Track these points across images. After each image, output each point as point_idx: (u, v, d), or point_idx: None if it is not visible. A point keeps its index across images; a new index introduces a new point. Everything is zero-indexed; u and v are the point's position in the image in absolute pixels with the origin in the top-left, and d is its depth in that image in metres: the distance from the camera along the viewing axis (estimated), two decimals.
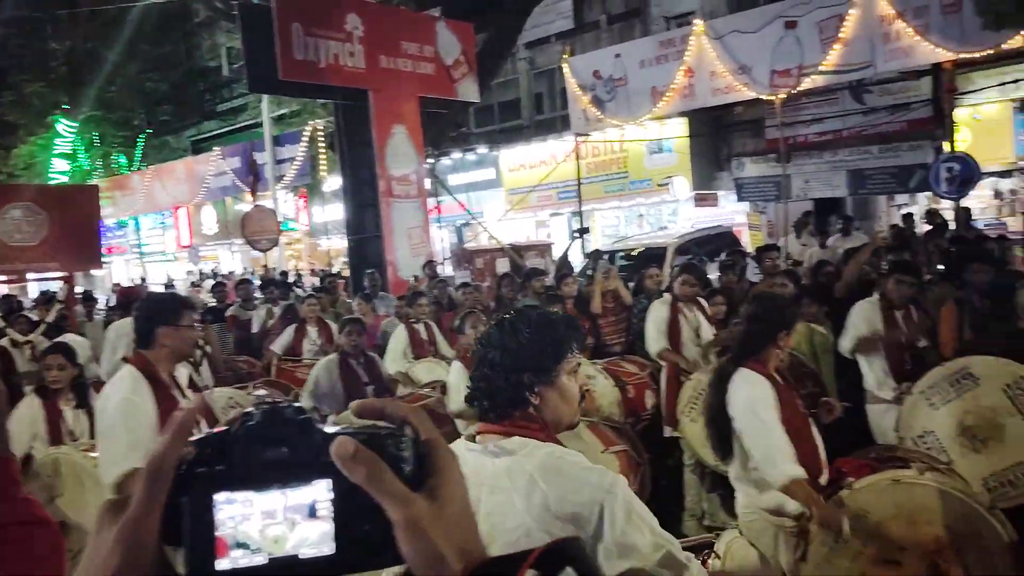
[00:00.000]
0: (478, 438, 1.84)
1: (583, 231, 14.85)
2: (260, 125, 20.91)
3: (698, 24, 15.26)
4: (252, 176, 17.03)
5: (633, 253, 13.20)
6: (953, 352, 5.15)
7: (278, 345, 7.72)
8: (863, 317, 5.10)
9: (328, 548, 0.61)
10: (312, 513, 0.61)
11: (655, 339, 5.96)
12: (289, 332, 7.81)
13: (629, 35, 18.84)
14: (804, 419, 3.25)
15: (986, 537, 2.91)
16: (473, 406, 1.89)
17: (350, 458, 0.60)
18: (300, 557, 0.60)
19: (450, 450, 0.66)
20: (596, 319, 7.27)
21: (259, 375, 7.49)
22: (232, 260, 27.07)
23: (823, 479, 3.22)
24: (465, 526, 0.64)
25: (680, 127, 17.25)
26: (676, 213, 18.47)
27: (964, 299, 5.33)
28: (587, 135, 18.04)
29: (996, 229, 13.50)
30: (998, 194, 19.55)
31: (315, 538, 0.61)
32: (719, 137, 17.94)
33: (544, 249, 15.86)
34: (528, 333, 1.83)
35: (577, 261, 13.72)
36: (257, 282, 13.17)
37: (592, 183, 18.45)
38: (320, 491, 0.61)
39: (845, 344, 5.28)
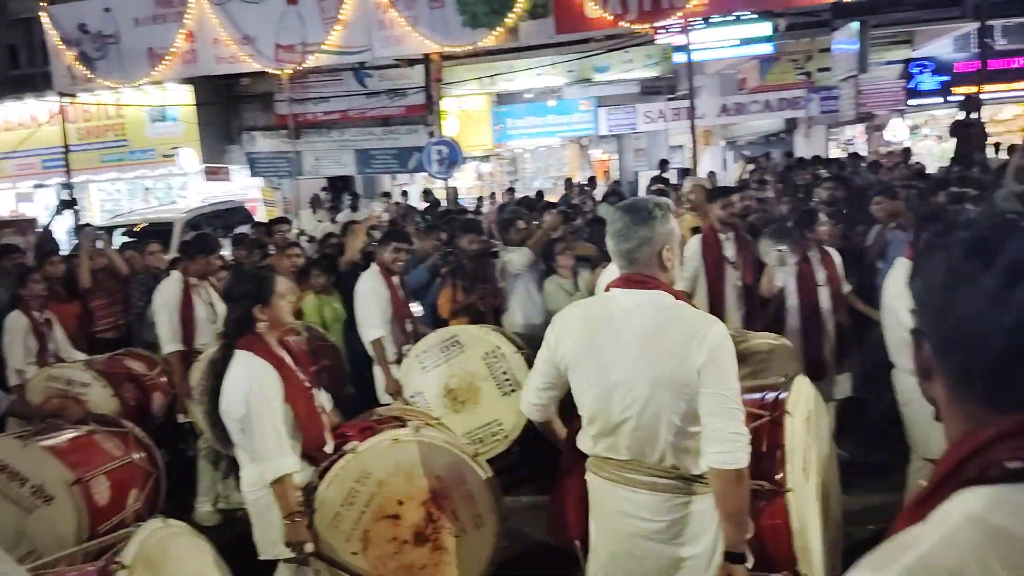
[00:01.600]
0: None
1: (69, 203, 13.07)
2: None
3: None
4: None
5: (136, 229, 12.07)
6: (449, 315, 5.75)
7: None
8: (370, 287, 5.27)
9: None
10: None
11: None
12: None
13: None
14: (308, 394, 3.28)
15: (469, 481, 3.28)
16: None
17: None
18: None
19: None
20: (87, 302, 6.48)
21: None
22: None
23: (328, 448, 3.30)
24: None
25: (185, 95, 16.25)
26: (187, 187, 17.42)
27: (456, 267, 5.95)
28: (74, 95, 15.95)
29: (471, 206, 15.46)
30: (480, 176, 22.43)
31: None
32: (229, 109, 17.33)
33: (26, 225, 13.63)
34: None
35: (66, 238, 12.09)
36: None
37: (85, 151, 16.45)
38: None
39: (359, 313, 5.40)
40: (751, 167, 10.89)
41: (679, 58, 13.24)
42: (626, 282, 2.43)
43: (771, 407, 2.78)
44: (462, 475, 3.28)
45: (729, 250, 5.44)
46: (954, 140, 11.12)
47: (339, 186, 16.30)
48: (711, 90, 19.42)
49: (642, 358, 2.32)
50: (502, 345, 4.80)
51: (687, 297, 2.48)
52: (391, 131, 15.65)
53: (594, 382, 2.42)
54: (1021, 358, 0.91)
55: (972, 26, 13.11)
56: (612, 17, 12.62)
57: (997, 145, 12.27)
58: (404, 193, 14.35)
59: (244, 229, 9.54)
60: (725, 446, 2.26)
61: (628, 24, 12.43)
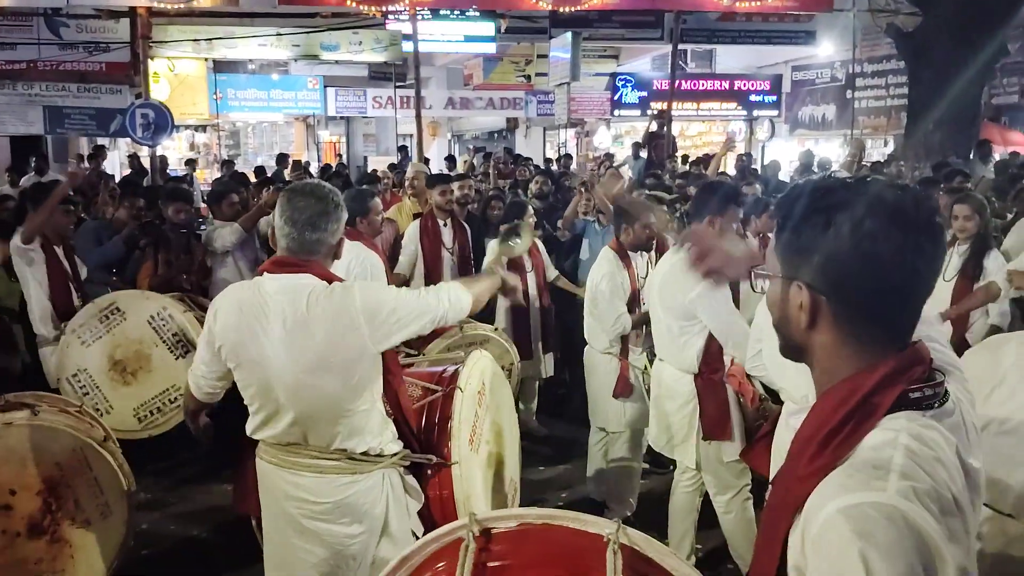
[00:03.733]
0: None
1: None
2: None
3: None
4: None
5: None
6: (149, 290, 5.28)
7: None
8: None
9: None
10: None
11: None
12: None
13: None
14: None
15: (95, 468, 3.08)
16: None
17: None
18: None
19: None
20: None
21: None
22: None
23: None
24: None
25: None
26: None
27: (159, 238, 5.50)
28: None
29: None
30: (193, 146, 20.91)
31: None
32: None
33: None
34: None
35: None
36: None
37: None
38: None
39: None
40: (476, 158, 11.29)
41: (407, 47, 13.34)
42: (277, 266, 2.35)
43: (446, 381, 2.85)
44: (86, 462, 3.07)
45: (447, 236, 5.59)
46: (646, 149, 12.38)
47: (25, 146, 14.34)
48: (439, 82, 19.87)
49: (294, 343, 2.28)
50: (168, 305, 4.45)
51: (337, 277, 2.42)
52: (89, 89, 14.03)
53: (252, 369, 2.35)
54: (909, 297, 1.09)
55: (668, 48, 14.66)
56: None
57: (685, 157, 13.90)
58: (90, 156, 12.92)
59: None
60: (455, 314, 2.47)
61: (355, 3, 12.27)
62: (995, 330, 4.43)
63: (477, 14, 14.32)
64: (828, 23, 16.17)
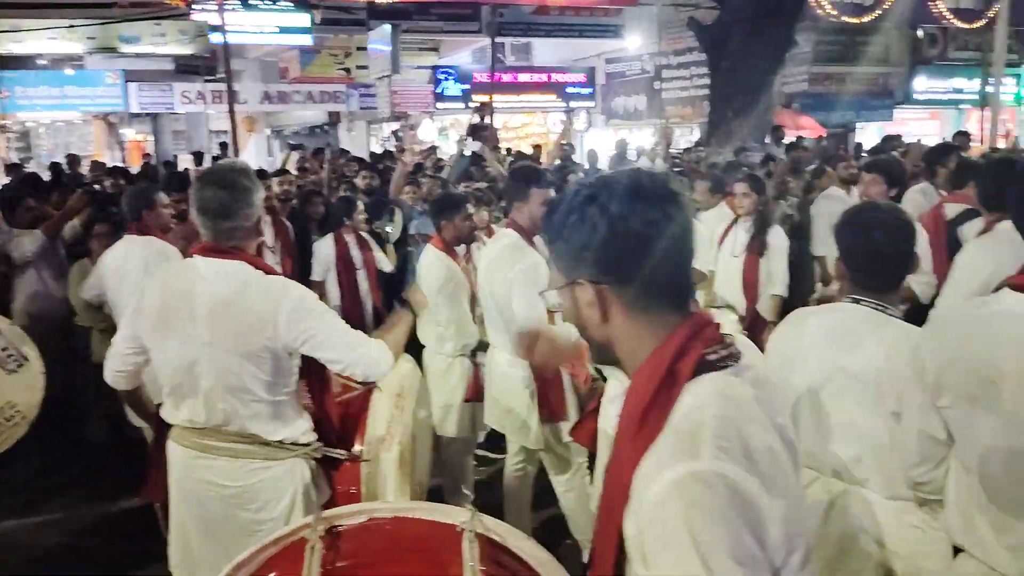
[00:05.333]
0: None
1: None
2: None
3: None
4: None
5: None
6: None
7: None
8: None
9: None
10: None
11: None
12: None
13: None
14: None
15: None
16: None
17: None
18: None
19: None
20: None
21: None
22: None
23: None
24: None
25: None
26: None
27: None
28: None
29: None
30: None
31: None
32: None
33: None
34: None
35: None
36: None
37: None
38: None
39: None
40: (298, 154, 10.89)
41: (216, 38, 12.67)
42: (209, 251, 2.38)
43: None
44: None
45: (267, 234, 5.36)
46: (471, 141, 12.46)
47: None
48: (253, 75, 19.04)
49: (217, 327, 2.31)
50: None
51: (271, 268, 2.48)
52: None
53: (171, 351, 2.37)
54: (675, 261, 1.18)
55: (486, 41, 14.83)
56: None
57: (509, 150, 14.11)
58: None
59: None
60: (371, 370, 2.39)
61: None
62: (781, 301, 4.73)
63: (291, 4, 13.84)
64: (635, 17, 17.00)
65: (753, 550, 1.01)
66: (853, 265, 2.24)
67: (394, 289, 5.64)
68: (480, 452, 4.71)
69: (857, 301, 2.20)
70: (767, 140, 10.56)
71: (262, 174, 6.06)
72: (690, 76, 17.03)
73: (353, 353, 2.36)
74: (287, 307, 2.29)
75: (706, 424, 1.07)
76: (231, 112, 11.73)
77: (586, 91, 19.71)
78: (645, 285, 1.18)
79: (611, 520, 1.14)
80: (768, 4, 10.50)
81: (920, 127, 17.96)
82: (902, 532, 2.14)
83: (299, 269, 5.37)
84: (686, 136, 15.97)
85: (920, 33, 18.30)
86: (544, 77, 19.15)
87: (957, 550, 1.89)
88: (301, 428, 2.46)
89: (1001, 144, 12.14)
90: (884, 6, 15.78)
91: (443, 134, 20.01)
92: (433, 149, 13.29)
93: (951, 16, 16.91)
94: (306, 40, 15.12)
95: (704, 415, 1.09)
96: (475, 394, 4.12)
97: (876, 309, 2.17)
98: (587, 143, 17.49)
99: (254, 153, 18.11)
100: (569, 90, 19.42)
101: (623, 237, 1.15)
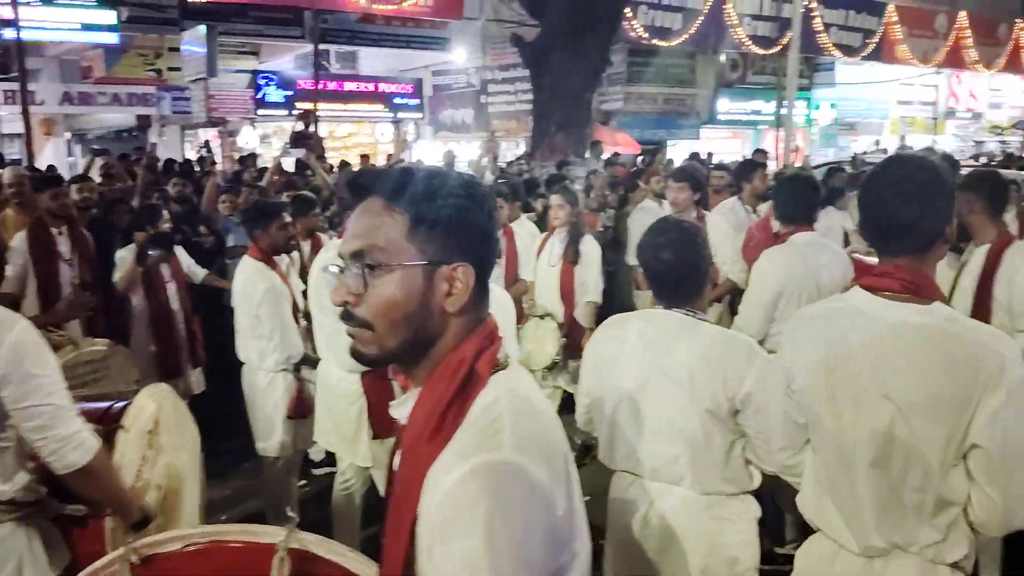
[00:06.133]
0: None
1: None
2: None
3: None
4: None
5: None
6: None
7: None
8: None
9: None
10: None
11: None
12: None
13: None
14: None
15: None
16: None
17: None
18: None
19: None
20: None
21: None
22: None
23: None
24: None
25: None
26: None
27: None
28: None
29: None
30: None
31: None
32: None
33: None
34: None
35: None
36: None
37: None
38: None
39: None
40: (101, 160, 10.07)
41: (9, 34, 11.56)
42: None
43: (109, 420, 2.48)
44: None
45: (63, 246, 4.93)
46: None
47: None
48: (51, 75, 17.52)
49: None
50: None
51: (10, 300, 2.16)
52: None
53: None
54: (493, 256, 1.23)
55: (309, 47, 14.47)
56: None
57: (343, 162, 13.78)
58: None
59: None
60: (56, 456, 2.03)
61: None
62: (596, 308, 4.90)
63: (94, 1, 12.89)
64: (461, 31, 17.20)
65: (540, 548, 1.04)
66: (653, 281, 2.40)
67: (210, 302, 5.38)
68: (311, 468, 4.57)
69: (669, 307, 2.35)
70: (587, 155, 11.02)
71: (59, 180, 5.55)
72: (515, 91, 17.46)
73: (49, 435, 2.02)
74: (10, 339, 1.99)
75: (505, 419, 1.10)
76: (25, 114, 10.75)
77: (414, 102, 19.69)
78: (485, 272, 1.20)
79: (401, 520, 1.13)
80: (583, 23, 10.98)
81: (723, 145, 19.34)
82: (713, 524, 2.28)
83: (100, 282, 4.98)
84: (512, 149, 16.36)
85: (723, 58, 19.79)
86: (371, 86, 18.93)
87: (811, 531, 2.02)
88: (21, 482, 2.13)
89: (793, 160, 13.33)
90: (690, 31, 16.93)
91: (265, 141, 19.30)
92: (252, 157, 12.79)
93: (750, 43, 18.40)
94: (112, 38, 14.11)
95: (501, 409, 1.11)
96: (298, 411, 3.98)
97: (687, 315, 2.33)
98: (415, 155, 17.47)
99: (51, 158, 16.65)
100: (397, 100, 19.32)
101: (474, 222, 1.17)
